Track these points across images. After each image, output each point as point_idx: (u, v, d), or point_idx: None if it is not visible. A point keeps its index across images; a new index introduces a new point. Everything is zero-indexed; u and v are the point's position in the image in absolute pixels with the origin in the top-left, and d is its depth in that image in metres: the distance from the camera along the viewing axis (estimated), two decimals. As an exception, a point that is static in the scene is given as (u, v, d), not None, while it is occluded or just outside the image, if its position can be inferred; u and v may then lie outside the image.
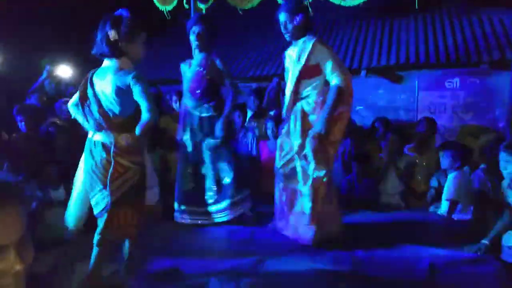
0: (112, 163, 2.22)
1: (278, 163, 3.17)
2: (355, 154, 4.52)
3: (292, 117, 3.04)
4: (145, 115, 2.19)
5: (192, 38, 3.41)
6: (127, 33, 2.24)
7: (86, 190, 2.38)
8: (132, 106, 2.25)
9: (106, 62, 2.30)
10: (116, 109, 2.25)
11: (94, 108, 2.27)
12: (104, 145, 2.26)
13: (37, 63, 5.11)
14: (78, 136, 3.95)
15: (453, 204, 3.62)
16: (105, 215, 2.26)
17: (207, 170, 3.50)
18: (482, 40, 5.70)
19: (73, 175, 3.62)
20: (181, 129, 3.58)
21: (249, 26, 7.61)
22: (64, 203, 3.40)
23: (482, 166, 3.21)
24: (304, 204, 2.93)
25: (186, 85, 3.53)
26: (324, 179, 2.88)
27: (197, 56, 3.46)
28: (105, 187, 2.23)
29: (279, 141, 3.21)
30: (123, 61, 2.27)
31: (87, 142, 2.36)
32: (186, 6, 5.10)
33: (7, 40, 5.71)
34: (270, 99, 5.12)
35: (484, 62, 5.32)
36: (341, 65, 2.96)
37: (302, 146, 2.94)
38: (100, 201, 2.27)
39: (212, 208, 3.48)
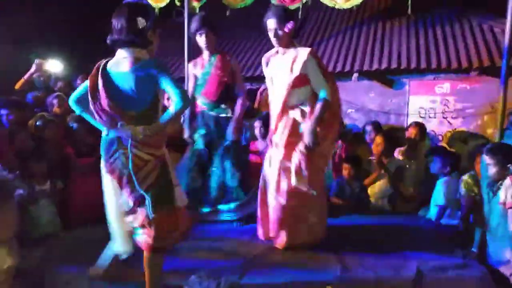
0: (130, 157, 2.09)
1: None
2: (346, 156, 4.53)
3: (280, 125, 2.97)
4: (178, 102, 2.06)
5: (201, 40, 3.38)
6: (152, 22, 2.14)
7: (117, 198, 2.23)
8: (149, 97, 2.11)
9: (122, 53, 2.14)
10: (133, 101, 2.10)
11: (105, 101, 2.10)
12: (119, 140, 2.13)
13: (26, 57, 5.02)
14: (66, 131, 3.93)
15: (441, 209, 3.66)
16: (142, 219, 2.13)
17: (216, 169, 3.48)
18: (472, 46, 5.77)
19: (63, 170, 3.61)
20: (191, 128, 3.54)
21: (240, 26, 7.60)
22: (50, 199, 3.40)
23: (471, 172, 3.25)
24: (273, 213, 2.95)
25: (200, 86, 3.47)
26: (314, 193, 2.87)
27: (210, 58, 3.43)
28: (129, 182, 2.11)
29: (268, 153, 3.13)
30: (141, 52, 2.13)
31: (102, 142, 2.22)
32: (178, 3, 5.07)
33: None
34: (263, 100, 5.11)
35: (474, 68, 5.39)
36: (329, 76, 2.94)
37: (285, 156, 2.90)
38: (128, 198, 2.15)
39: (221, 207, 3.50)
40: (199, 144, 3.48)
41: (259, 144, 4.55)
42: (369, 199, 4.28)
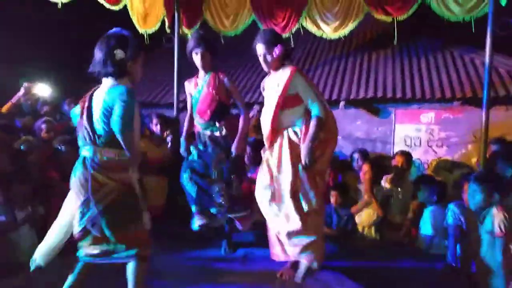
0: (89, 178, 2.18)
1: (262, 195, 3.02)
2: (333, 184, 4.55)
3: (276, 146, 2.97)
4: (117, 132, 2.19)
5: (197, 59, 3.38)
6: (132, 52, 2.24)
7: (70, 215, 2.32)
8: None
9: (107, 82, 2.27)
10: (103, 125, 2.21)
11: (85, 122, 2.26)
12: (84, 160, 2.24)
13: (14, 80, 5.00)
14: (53, 154, 3.86)
15: (429, 238, 3.67)
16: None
17: (213, 183, 3.35)
18: (455, 77, 5.95)
19: (44, 195, 3.53)
20: (187, 143, 3.47)
21: (229, 53, 7.72)
22: (31, 224, 3.30)
23: (457, 201, 3.28)
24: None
25: (194, 105, 3.44)
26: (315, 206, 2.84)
27: (204, 77, 3.43)
28: (86, 200, 2.19)
29: (260, 172, 3.10)
30: (124, 81, 2.26)
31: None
32: (168, 30, 5.14)
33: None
34: (251, 125, 5.13)
35: (457, 98, 5.53)
36: (319, 94, 2.97)
37: (294, 183, 2.85)
38: (84, 212, 2.20)
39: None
40: (194, 155, 3.43)
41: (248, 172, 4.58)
42: (356, 227, 4.28)
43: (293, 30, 5.01)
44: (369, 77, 6.46)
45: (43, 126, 4.23)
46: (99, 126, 2.23)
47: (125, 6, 4.66)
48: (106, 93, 2.21)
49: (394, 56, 6.88)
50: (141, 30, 4.87)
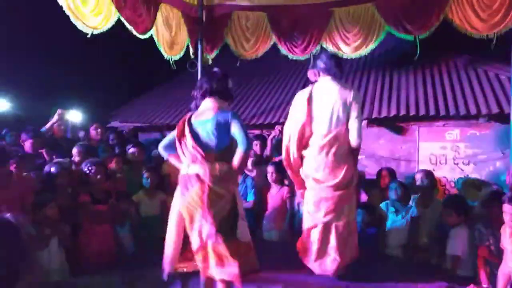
0: (206, 192, 2.48)
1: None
2: (360, 203, 4.50)
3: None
4: (242, 145, 2.55)
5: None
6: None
7: (182, 227, 2.64)
8: (226, 140, 2.60)
9: (207, 104, 2.70)
10: (213, 142, 2.59)
11: (190, 143, 2.59)
12: (198, 176, 2.53)
13: (49, 106, 5.27)
14: (82, 178, 3.99)
15: (456, 259, 3.57)
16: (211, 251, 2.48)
17: None
18: (480, 93, 5.85)
19: (73, 217, 3.64)
20: None
21: (252, 75, 7.86)
22: (59, 245, 3.40)
23: (485, 221, 3.20)
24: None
25: None
26: None
27: None
28: (203, 216, 2.47)
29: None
30: (224, 103, 2.72)
31: (180, 179, 2.64)
32: (192, 56, 5.31)
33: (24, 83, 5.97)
34: (273, 146, 5.19)
35: (483, 115, 5.43)
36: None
37: None
38: (202, 231, 2.49)
39: None
40: None
41: (272, 189, 4.62)
42: (384, 247, 4.21)
43: (314, 51, 5.09)
44: (392, 95, 6.44)
45: (75, 150, 4.39)
46: (207, 143, 2.60)
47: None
48: (216, 114, 2.62)
49: (416, 73, 6.84)
50: (167, 56, 5.05)
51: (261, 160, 5.13)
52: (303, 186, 3.46)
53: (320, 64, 3.37)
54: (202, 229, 2.50)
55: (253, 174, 4.97)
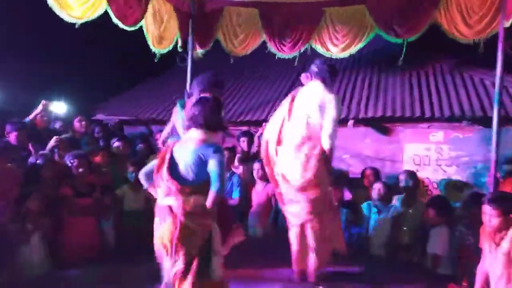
0: (179, 226, 2.36)
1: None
2: (344, 202, 4.55)
3: None
4: (216, 185, 2.40)
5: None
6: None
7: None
8: (205, 174, 2.43)
9: (192, 134, 2.54)
10: (190, 176, 2.44)
11: (165, 175, 2.46)
12: (171, 208, 2.41)
13: (33, 98, 5.18)
14: (66, 171, 3.93)
15: (437, 258, 3.64)
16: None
17: None
18: (464, 97, 5.95)
19: (56, 210, 3.59)
20: None
21: (241, 72, 7.84)
22: (41, 237, 3.35)
23: (466, 221, 3.27)
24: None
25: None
26: None
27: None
28: (173, 251, 2.37)
29: None
30: (213, 134, 2.55)
31: (157, 209, 2.54)
32: (180, 49, 5.27)
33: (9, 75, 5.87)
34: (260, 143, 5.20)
35: (466, 118, 5.53)
36: None
37: None
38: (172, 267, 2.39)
39: None
40: None
41: (257, 186, 4.64)
42: (367, 245, 4.27)
43: (302, 50, 5.11)
44: (378, 96, 6.49)
45: (62, 141, 4.30)
46: (184, 175, 2.46)
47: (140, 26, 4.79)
48: (198, 148, 2.48)
49: (403, 75, 6.92)
50: (154, 50, 4.99)
51: (248, 157, 5.13)
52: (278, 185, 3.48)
53: (314, 68, 3.41)
54: (172, 265, 2.40)
55: (240, 171, 4.98)
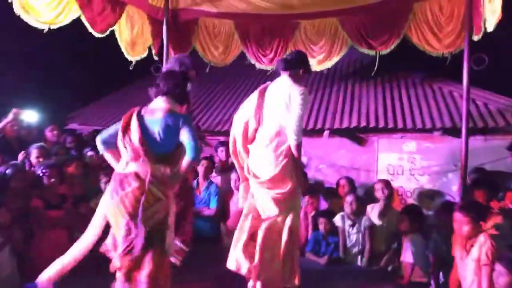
0: (145, 192, 2.35)
1: None
2: (321, 211, 4.61)
3: None
4: (190, 154, 2.45)
5: None
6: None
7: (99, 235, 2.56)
8: (173, 143, 2.50)
9: (159, 103, 2.58)
10: (157, 144, 2.47)
11: (136, 137, 2.45)
12: (137, 175, 2.39)
13: (3, 107, 5.01)
14: (36, 182, 3.81)
15: (410, 266, 3.71)
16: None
17: None
18: (435, 108, 6.15)
19: (25, 223, 3.47)
20: None
21: (219, 81, 7.84)
22: (10, 250, 3.22)
23: (439, 229, 3.34)
24: None
25: None
26: None
27: None
28: (132, 218, 2.31)
29: None
30: (178, 105, 2.64)
31: (115, 178, 2.47)
32: (156, 57, 5.24)
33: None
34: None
35: (437, 128, 5.70)
36: None
37: None
38: (127, 238, 2.34)
39: None
40: None
41: (234, 196, 4.63)
42: (344, 254, 4.32)
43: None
44: (353, 107, 6.62)
45: (35, 151, 4.17)
46: (154, 143, 2.48)
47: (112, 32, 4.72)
48: (165, 115, 2.53)
49: (376, 87, 7.09)
50: (129, 58, 4.94)
51: (226, 167, 5.12)
52: (245, 179, 3.35)
53: (287, 58, 3.32)
54: (128, 236, 2.34)
55: (217, 180, 4.96)
